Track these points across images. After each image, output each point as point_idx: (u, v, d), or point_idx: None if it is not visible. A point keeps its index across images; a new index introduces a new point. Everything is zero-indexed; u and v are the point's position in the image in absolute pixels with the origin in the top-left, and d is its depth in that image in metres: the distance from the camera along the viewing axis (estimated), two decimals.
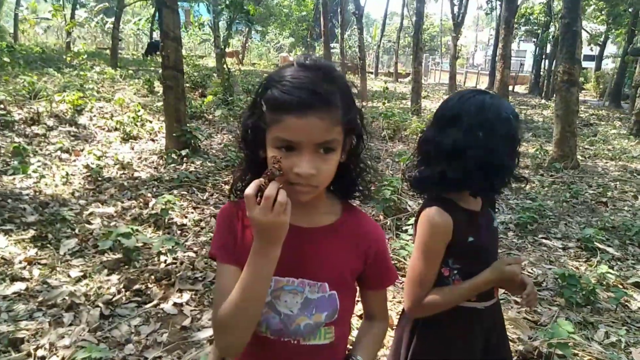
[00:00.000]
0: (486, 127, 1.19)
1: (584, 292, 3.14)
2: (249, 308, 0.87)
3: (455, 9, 21.42)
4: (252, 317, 0.88)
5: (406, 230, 3.99)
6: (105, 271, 3.20)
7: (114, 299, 2.89)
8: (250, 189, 0.81)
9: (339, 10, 18.58)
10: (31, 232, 3.60)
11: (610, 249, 4.15)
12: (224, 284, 0.92)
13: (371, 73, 27.23)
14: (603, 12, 21.88)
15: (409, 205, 4.73)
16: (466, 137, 1.20)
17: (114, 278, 3.13)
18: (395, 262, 3.54)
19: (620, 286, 3.43)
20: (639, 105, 11.21)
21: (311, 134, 0.84)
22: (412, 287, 1.28)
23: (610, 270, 3.46)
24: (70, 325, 2.61)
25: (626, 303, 3.21)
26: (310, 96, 0.84)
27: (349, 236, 1.02)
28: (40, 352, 2.35)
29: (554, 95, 8.56)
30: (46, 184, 4.69)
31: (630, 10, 19.53)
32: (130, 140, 6.88)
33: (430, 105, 15.18)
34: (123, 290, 2.97)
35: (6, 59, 10.97)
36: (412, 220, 4.01)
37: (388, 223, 4.28)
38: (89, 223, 3.95)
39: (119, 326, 2.64)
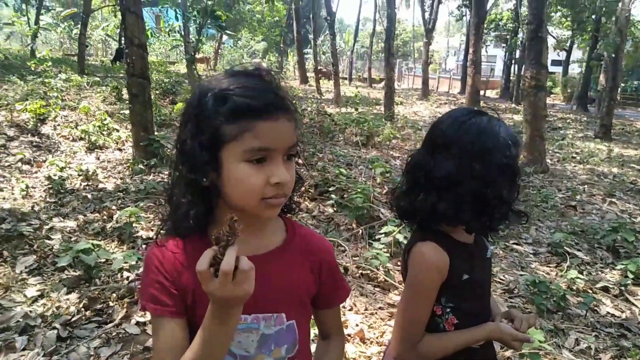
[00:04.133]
0: (483, 157, 1.06)
1: (555, 299, 3.15)
2: None
3: (427, 15, 21.75)
4: None
5: (379, 239, 3.95)
6: (64, 289, 3.04)
7: (72, 320, 2.74)
8: (203, 264, 0.69)
9: (311, 16, 18.62)
10: None
11: (579, 253, 4.20)
12: (164, 342, 0.82)
13: (345, 79, 27.38)
14: (568, 18, 22.59)
15: (382, 213, 4.69)
16: (460, 167, 1.07)
17: (73, 297, 2.97)
18: (368, 271, 3.50)
19: (590, 291, 3.46)
20: (604, 109, 11.56)
21: (283, 138, 0.80)
22: (403, 331, 1.17)
23: (580, 275, 3.49)
24: (24, 349, 2.45)
25: (595, 308, 3.24)
26: (276, 99, 0.80)
27: (299, 255, 0.95)
28: None
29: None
30: (4, 198, 4.47)
31: (593, 17, 20.22)
32: (96, 150, 6.67)
33: (404, 110, 15.33)
34: (83, 309, 2.82)
35: None
36: (385, 229, 3.98)
37: (360, 232, 4.23)
38: (49, 238, 3.76)
39: (77, 349, 2.49)
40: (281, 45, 28.79)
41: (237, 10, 22.79)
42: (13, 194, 4.65)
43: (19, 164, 5.59)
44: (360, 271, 3.51)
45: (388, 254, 3.61)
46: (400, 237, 3.83)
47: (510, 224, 1.22)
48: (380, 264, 3.41)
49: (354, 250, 3.89)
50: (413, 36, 37.36)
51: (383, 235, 3.97)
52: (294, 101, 0.89)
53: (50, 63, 11.78)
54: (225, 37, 25.39)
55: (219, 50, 26.38)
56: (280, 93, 0.82)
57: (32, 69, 11.87)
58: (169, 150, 6.30)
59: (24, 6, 18.78)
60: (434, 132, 1.16)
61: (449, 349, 1.16)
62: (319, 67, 19.86)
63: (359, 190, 4.54)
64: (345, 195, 4.83)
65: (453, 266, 1.13)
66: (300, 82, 23.09)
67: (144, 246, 3.81)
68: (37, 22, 16.73)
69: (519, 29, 22.94)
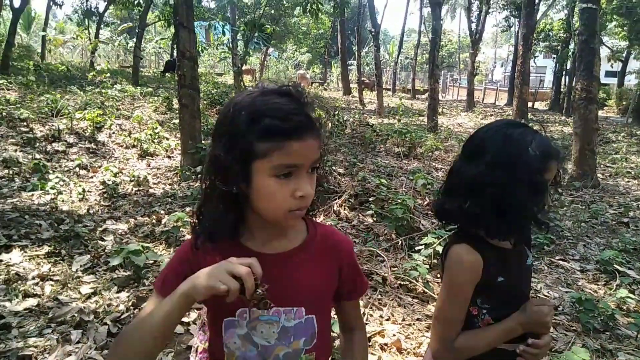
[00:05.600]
0: (505, 167, 1.11)
1: (602, 318, 3.02)
2: (144, 336, 0.85)
3: (473, 25, 21.42)
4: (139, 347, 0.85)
5: (419, 251, 3.93)
6: (115, 288, 3.22)
7: (122, 317, 2.90)
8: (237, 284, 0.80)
9: (356, 28, 18.76)
10: (45, 248, 3.66)
11: (631, 272, 4.00)
12: (147, 310, 0.90)
13: (388, 89, 27.31)
14: (625, 28, 21.60)
15: (422, 225, 4.66)
16: (485, 173, 1.13)
17: (123, 295, 3.14)
18: (407, 282, 3.49)
19: None
20: None
21: (309, 155, 0.88)
22: (440, 329, 1.23)
23: (631, 295, 3.33)
24: (78, 342, 2.62)
25: None
26: (306, 120, 0.87)
27: (320, 252, 1.02)
28: None
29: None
30: (63, 201, 4.78)
31: None
32: (147, 157, 7.00)
33: (447, 122, 15.11)
34: (132, 307, 2.98)
35: (32, 78, 11.35)
36: (425, 240, 3.96)
37: (400, 242, 4.22)
38: (102, 240, 3.99)
39: None
40: (325, 57, 29.12)
41: (284, 22, 23.35)
42: (71, 196, 4.97)
43: (77, 169, 5.96)
44: (398, 282, 3.50)
45: (428, 266, 3.59)
46: (440, 249, 3.80)
47: (534, 232, 1.24)
48: (420, 275, 3.39)
49: (393, 261, 3.89)
50: (459, 47, 36.82)
51: (423, 246, 3.95)
52: (321, 117, 0.96)
53: (108, 74, 12.46)
54: (271, 49, 25.99)
55: (265, 62, 27.04)
56: (309, 113, 0.89)
57: (91, 80, 12.61)
58: None
59: (85, 21, 19.99)
60: (470, 139, 1.23)
61: (483, 343, 1.19)
62: (362, 79, 19.94)
63: (399, 201, 4.54)
64: (385, 206, 4.84)
65: (487, 267, 1.17)
66: (343, 93, 23.25)
67: None
68: (97, 36, 17.77)
69: (571, 40, 22.15)
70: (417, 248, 4.08)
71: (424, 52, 34.89)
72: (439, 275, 3.78)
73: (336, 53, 27.06)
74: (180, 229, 4.12)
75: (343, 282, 1.05)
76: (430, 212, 5.02)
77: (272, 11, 15.21)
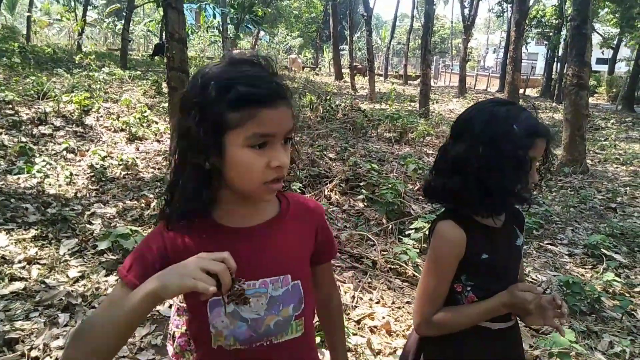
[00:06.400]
0: (489, 143, 1.11)
1: (589, 300, 3.06)
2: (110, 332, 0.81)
3: (466, 11, 21.30)
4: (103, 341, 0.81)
5: (408, 235, 3.94)
6: (103, 272, 3.19)
7: None
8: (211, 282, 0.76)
9: (348, 12, 18.56)
10: (32, 232, 3.61)
11: (617, 256, 4.05)
12: (111, 298, 0.86)
13: (380, 75, 27.18)
14: (616, 15, 21.61)
15: (413, 209, 4.67)
16: (470, 149, 1.13)
17: (112, 279, 3.12)
18: (397, 266, 3.50)
19: (627, 295, 3.35)
20: None
21: (283, 125, 0.86)
22: (422, 303, 1.24)
23: (617, 278, 3.38)
24: (65, 325, 2.60)
25: (632, 312, 3.13)
26: (277, 87, 0.86)
27: (296, 218, 1.03)
28: (34, 353, 2.34)
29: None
30: (50, 184, 4.71)
31: None
32: (135, 141, 6.91)
33: (439, 108, 15.10)
34: None
35: (17, 60, 11.10)
36: (415, 224, 3.97)
37: (390, 227, 4.23)
38: (90, 223, 3.95)
39: None
40: (317, 42, 28.85)
41: (275, 6, 23.06)
42: (58, 180, 4.89)
43: (64, 153, 5.86)
44: (388, 265, 3.51)
45: (417, 250, 3.60)
46: None
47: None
48: (409, 259, 3.40)
49: (383, 245, 3.90)
50: (451, 33, 36.66)
51: (413, 230, 3.96)
52: (293, 90, 0.95)
53: (94, 57, 12.24)
54: (262, 33, 25.67)
55: (256, 46, 26.72)
56: (280, 81, 0.88)
57: (78, 62, 12.38)
58: None
59: (72, 3, 19.56)
60: (458, 118, 1.24)
61: (464, 319, 1.20)
62: (354, 64, 19.80)
63: (390, 185, 4.54)
64: (375, 191, 4.83)
65: (471, 244, 1.17)
66: (335, 78, 23.09)
67: None
68: (83, 17, 17.40)
69: (563, 26, 22.13)
70: (407, 232, 4.09)
71: (417, 37, 34.70)
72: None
73: (328, 37, 26.81)
74: None
75: (318, 244, 1.06)
76: (421, 197, 5.04)
77: None
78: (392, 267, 3.51)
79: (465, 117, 1.20)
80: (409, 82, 26.40)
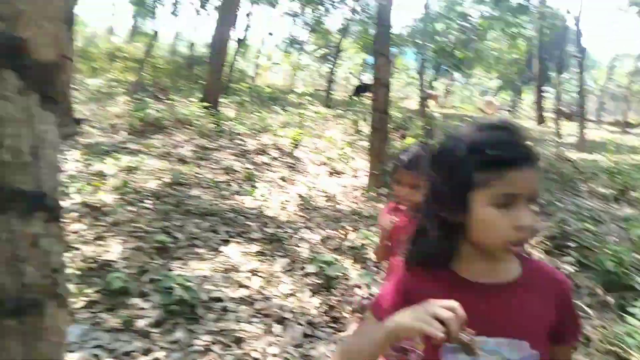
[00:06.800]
0: None
1: None
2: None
3: None
4: None
5: (633, 314, 3.35)
6: (309, 293, 3.53)
7: (314, 320, 3.16)
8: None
9: (556, 52, 17.16)
10: (255, 247, 4.21)
11: None
12: (360, 330, 1.04)
13: (592, 121, 24.09)
14: None
15: (638, 283, 3.98)
16: None
17: (315, 301, 3.42)
18: (617, 349, 3.01)
19: None
20: None
21: (528, 186, 0.90)
22: None
23: None
24: (278, 336, 2.94)
25: None
26: (525, 150, 0.91)
27: (538, 286, 0.99)
28: (254, 354, 2.71)
29: None
30: (268, 207, 5.45)
31: None
32: (335, 175, 7.52)
33: None
34: (323, 314, 3.23)
35: (246, 98, 13.28)
36: None
37: (608, 299, 3.67)
38: (298, 246, 4.42)
39: (316, 347, 2.86)
40: (517, 83, 27.26)
41: (473, 47, 22.71)
42: (273, 204, 5.62)
43: (278, 180, 6.73)
44: (606, 346, 3.05)
45: None
46: None
47: None
48: (637, 345, 2.89)
49: (598, 320, 3.40)
50: None
51: (639, 310, 3.36)
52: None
53: (309, 98, 13.78)
54: (457, 75, 25.48)
55: (449, 88, 26.61)
56: (527, 146, 0.92)
57: (291, 101, 14.15)
58: None
59: (289, 48, 22.63)
60: None
61: None
62: (560, 107, 18.04)
63: (610, 252, 3.97)
64: (589, 255, 4.28)
65: None
66: (537, 123, 21.36)
67: (374, 268, 4.12)
68: (298, 63, 19.93)
69: None
70: (630, 310, 3.49)
71: None
72: None
73: (530, 79, 25.09)
74: (365, 247, 4.32)
75: (559, 322, 0.99)
76: None
77: (463, 36, 14.95)
78: (611, 349, 3.03)
79: None
80: (627, 129, 22.78)
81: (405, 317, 0.87)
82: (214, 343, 2.74)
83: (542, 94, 22.31)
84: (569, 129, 17.62)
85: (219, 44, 10.54)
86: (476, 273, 0.97)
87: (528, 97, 27.65)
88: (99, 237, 3.73)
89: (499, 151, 0.89)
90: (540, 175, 0.96)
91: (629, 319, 3.23)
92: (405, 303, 0.94)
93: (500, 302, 0.96)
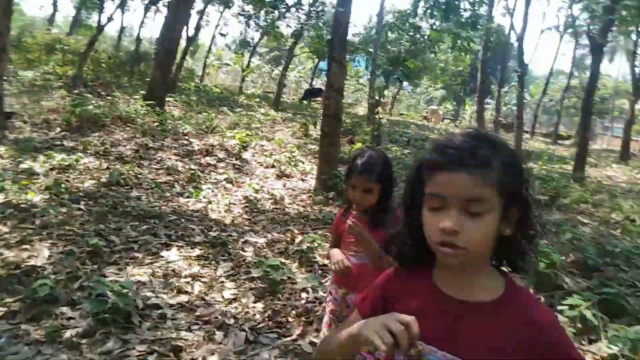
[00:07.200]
0: None
1: None
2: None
3: (637, 70, 19.22)
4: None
5: (561, 311, 3.53)
6: (252, 298, 3.43)
7: (258, 326, 3.07)
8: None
9: (498, 67, 18.05)
10: (197, 251, 4.06)
11: None
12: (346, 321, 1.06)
13: (527, 132, 25.55)
14: None
15: (566, 283, 4.20)
16: None
17: (259, 306, 3.33)
18: None
19: None
20: None
21: (457, 188, 0.85)
22: None
23: None
24: (220, 343, 2.83)
25: None
26: (464, 155, 0.86)
27: (510, 319, 0.88)
28: None
29: None
30: (212, 209, 5.29)
31: None
32: (283, 178, 7.45)
33: (596, 173, 13.59)
34: (267, 319, 3.15)
35: (193, 98, 12.94)
36: (569, 301, 3.55)
37: (540, 298, 3.85)
38: (243, 250, 4.31)
39: (260, 353, 2.78)
40: (460, 94, 28.44)
41: (421, 58, 23.46)
42: (218, 207, 5.47)
43: (224, 182, 6.57)
44: None
45: (573, 330, 3.21)
46: (588, 314, 3.38)
47: None
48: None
49: None
50: (615, 92, 33.17)
51: (567, 307, 3.54)
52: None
53: (258, 99, 13.66)
54: (405, 83, 26.20)
55: (397, 96, 27.30)
56: (477, 152, 0.86)
57: (240, 102, 13.95)
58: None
59: (240, 50, 22.34)
60: None
61: None
62: (499, 118, 19.00)
63: (541, 254, 4.16)
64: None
65: None
66: None
67: (319, 271, 4.09)
68: (248, 64, 19.70)
69: None
70: (559, 308, 3.67)
71: (573, 95, 32.15)
72: (584, 342, 3.36)
73: (472, 91, 26.25)
74: (313, 251, 4.28)
75: None
76: (575, 271, 4.54)
77: (412, 47, 15.39)
78: None
79: None
80: (559, 141, 24.38)
81: (365, 326, 0.88)
82: (149, 353, 2.59)
83: (483, 105, 23.40)
84: (507, 139, 18.54)
85: (168, 42, 10.19)
86: (449, 284, 0.94)
87: (470, 108, 28.90)
88: (24, 241, 3.45)
89: (434, 154, 0.90)
90: (488, 184, 0.86)
91: (559, 316, 3.39)
92: (383, 308, 0.97)
93: (461, 320, 0.91)
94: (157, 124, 8.49)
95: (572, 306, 3.52)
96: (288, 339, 2.97)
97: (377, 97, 11.23)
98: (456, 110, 27.79)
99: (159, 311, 3.03)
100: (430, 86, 30.31)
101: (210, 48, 23.19)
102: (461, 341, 0.90)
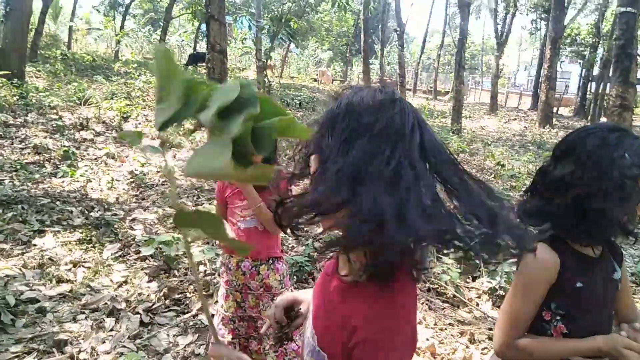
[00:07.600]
0: (598, 167, 1.06)
1: None
2: None
3: (499, 27, 21.12)
4: None
5: (447, 254, 3.86)
6: (146, 278, 3.23)
7: (153, 307, 2.90)
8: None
9: (379, 26, 18.64)
10: (77, 235, 3.69)
11: None
12: None
13: (410, 90, 27.09)
14: None
15: None
16: (573, 173, 1.09)
17: (154, 285, 3.15)
18: (437, 286, 3.43)
19: None
20: None
21: None
22: (506, 325, 1.19)
23: None
24: (111, 330, 2.63)
25: None
26: None
27: (343, 308, 0.81)
28: (82, 356, 2.37)
29: (604, 119, 8.19)
30: (92, 188, 4.83)
31: None
32: (172, 149, 7.03)
33: (470, 124, 14.91)
34: (163, 298, 2.99)
35: (60, 67, 11.52)
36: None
37: None
38: (132, 229, 4.01)
39: (157, 334, 2.64)
40: (347, 55, 29.02)
41: (306, 19, 23.35)
42: (100, 185, 5.01)
43: (105, 158, 6.01)
44: (428, 285, 3.45)
45: (459, 270, 3.53)
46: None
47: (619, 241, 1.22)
48: (450, 280, 3.33)
49: None
50: (482, 49, 36.34)
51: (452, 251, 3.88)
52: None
53: (135, 65, 12.57)
54: (292, 45, 25.99)
55: (286, 58, 27.03)
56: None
57: (116, 70, 12.74)
58: None
59: (112, 12, 20.23)
60: (563, 139, 1.19)
61: (549, 354, 1.14)
62: (384, 77, 19.80)
63: None
64: None
65: (564, 270, 1.13)
66: None
67: (216, 242, 3.96)
68: (122, 27, 17.95)
69: (599, 45, 21.69)
70: (445, 251, 4.01)
71: (447, 53, 34.58)
72: (468, 280, 3.72)
73: (358, 51, 26.94)
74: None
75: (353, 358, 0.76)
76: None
77: (296, 7, 15.18)
78: (432, 286, 3.44)
79: (573, 139, 1.15)
80: (438, 97, 26.24)
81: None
82: (27, 353, 2.32)
83: (369, 65, 24.19)
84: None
85: (19, 2, 8.80)
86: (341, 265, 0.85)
87: (357, 68, 29.71)
88: None
89: None
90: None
91: (445, 259, 3.69)
92: None
93: (327, 297, 0.87)
94: (17, 97, 7.44)
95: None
96: (187, 315, 2.85)
97: (263, 60, 10.95)
98: (344, 71, 28.37)
99: (37, 305, 2.72)
100: (318, 47, 30.48)
101: (74, 11, 20.64)
102: (321, 311, 0.93)
